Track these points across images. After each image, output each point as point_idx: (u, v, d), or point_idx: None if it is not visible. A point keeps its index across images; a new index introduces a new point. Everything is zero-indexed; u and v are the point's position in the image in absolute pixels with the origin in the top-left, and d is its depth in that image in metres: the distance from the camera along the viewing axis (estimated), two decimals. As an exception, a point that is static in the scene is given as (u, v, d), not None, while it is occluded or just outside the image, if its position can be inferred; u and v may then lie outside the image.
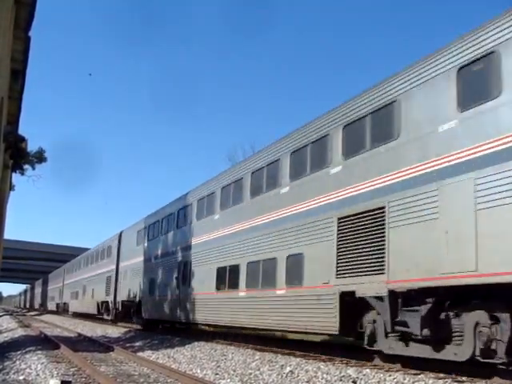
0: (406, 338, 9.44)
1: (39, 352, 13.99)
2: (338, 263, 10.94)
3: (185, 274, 19.44)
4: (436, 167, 8.94)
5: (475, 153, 8.29)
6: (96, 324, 33.20)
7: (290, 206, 13.26)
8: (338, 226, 11.18)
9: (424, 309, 8.97)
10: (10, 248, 56.23)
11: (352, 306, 10.76)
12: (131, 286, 26.09)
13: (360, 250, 10.37)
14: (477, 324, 8.20)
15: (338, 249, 11.05)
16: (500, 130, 8.00)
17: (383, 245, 9.76)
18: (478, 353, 8.19)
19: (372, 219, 10.19)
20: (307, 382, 9.11)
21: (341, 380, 8.85)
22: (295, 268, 12.59)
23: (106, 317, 31.61)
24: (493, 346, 8.01)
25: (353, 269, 10.53)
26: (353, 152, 11.17)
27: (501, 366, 8.37)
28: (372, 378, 8.72)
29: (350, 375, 9.09)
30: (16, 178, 23.05)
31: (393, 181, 9.89)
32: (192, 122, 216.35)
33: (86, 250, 47.35)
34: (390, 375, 8.74)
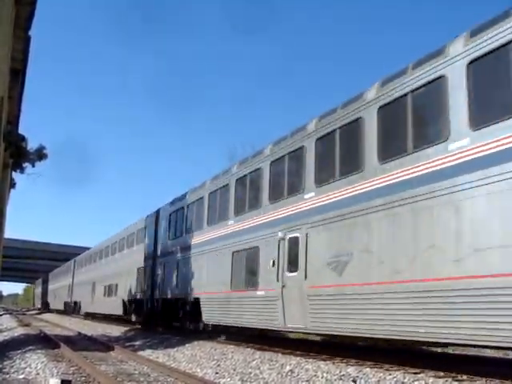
0: None
1: (39, 351, 13.99)
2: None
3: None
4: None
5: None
6: (96, 323, 33.27)
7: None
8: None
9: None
10: (11, 247, 56.18)
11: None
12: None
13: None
14: None
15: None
16: None
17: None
18: None
19: None
20: (307, 380, 9.11)
21: (341, 379, 8.85)
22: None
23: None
24: None
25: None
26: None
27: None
28: (372, 377, 8.72)
29: (349, 374, 9.09)
30: (16, 175, 22.99)
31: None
32: (192, 121, 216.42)
33: (87, 249, 48.91)
34: (389, 374, 8.74)
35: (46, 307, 69.86)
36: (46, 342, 17.86)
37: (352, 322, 10.16)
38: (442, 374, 8.61)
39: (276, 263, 12.92)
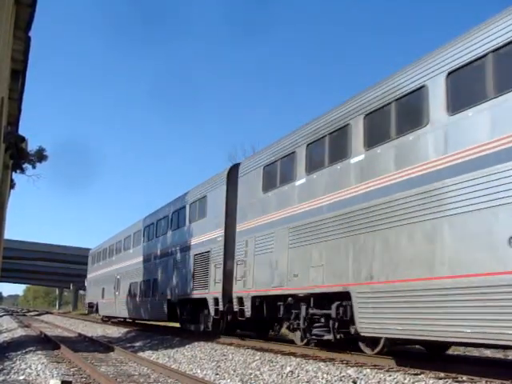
0: None
1: (39, 352, 13.99)
2: None
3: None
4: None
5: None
6: (96, 324, 33.29)
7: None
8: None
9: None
10: (10, 248, 56.21)
11: None
12: None
13: None
14: None
15: None
16: None
17: None
18: None
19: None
20: (307, 382, 9.11)
21: (341, 380, 8.85)
22: None
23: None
24: None
25: None
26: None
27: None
28: (372, 378, 8.72)
29: (350, 375, 9.09)
30: (16, 176, 22.97)
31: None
32: (193, 121, 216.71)
33: (87, 249, 48.55)
34: (390, 375, 8.74)
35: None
36: (46, 343, 17.87)
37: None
38: (442, 375, 8.61)
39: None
